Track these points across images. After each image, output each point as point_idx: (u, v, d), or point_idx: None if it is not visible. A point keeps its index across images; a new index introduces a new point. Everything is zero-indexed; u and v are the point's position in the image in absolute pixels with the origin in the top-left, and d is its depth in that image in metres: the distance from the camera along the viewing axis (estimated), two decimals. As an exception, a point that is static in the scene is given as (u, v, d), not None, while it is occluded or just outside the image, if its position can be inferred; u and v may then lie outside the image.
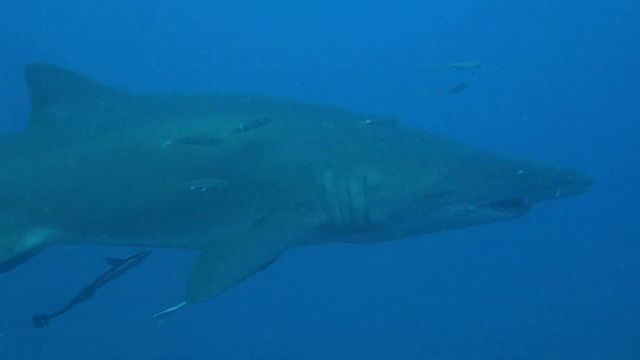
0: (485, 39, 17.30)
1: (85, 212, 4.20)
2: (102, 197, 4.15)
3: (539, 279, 12.35)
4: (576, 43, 17.24)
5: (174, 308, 4.44)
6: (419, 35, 17.60)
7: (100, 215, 4.19)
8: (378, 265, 11.35)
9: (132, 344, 10.23)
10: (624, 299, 11.46)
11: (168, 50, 16.97)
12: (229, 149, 3.99)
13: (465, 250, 13.13)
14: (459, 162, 3.99)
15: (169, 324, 4.65)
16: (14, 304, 9.23)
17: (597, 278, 12.18)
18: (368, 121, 4.18)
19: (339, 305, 11.77)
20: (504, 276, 12.15)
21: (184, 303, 4.23)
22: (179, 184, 3.99)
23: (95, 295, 4.53)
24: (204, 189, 3.85)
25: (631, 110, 18.27)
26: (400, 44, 17.60)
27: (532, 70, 18.09)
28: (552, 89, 18.50)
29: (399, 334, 10.78)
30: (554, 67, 18.09)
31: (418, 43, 17.43)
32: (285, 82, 16.02)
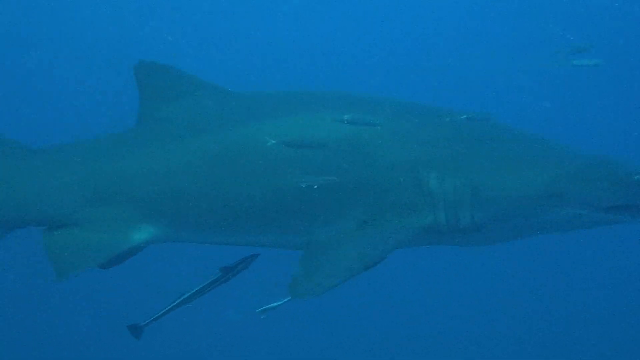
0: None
1: (191, 210, 4.21)
2: (208, 195, 4.17)
3: (539, 279, 12.16)
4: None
5: (278, 303, 4.47)
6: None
7: (207, 213, 4.20)
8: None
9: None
10: (624, 299, 11.23)
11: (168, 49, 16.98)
12: (334, 149, 3.98)
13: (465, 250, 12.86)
14: (570, 164, 3.89)
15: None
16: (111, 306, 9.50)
17: (598, 277, 11.98)
18: (464, 116, 4.13)
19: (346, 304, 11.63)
20: (504, 276, 11.93)
21: (288, 299, 4.30)
22: (285, 182, 4.00)
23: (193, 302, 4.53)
24: (315, 186, 3.83)
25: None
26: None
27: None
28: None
29: (399, 334, 10.64)
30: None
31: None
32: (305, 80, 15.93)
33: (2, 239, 4.54)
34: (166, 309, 4.49)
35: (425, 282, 11.98)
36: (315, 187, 3.82)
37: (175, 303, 4.48)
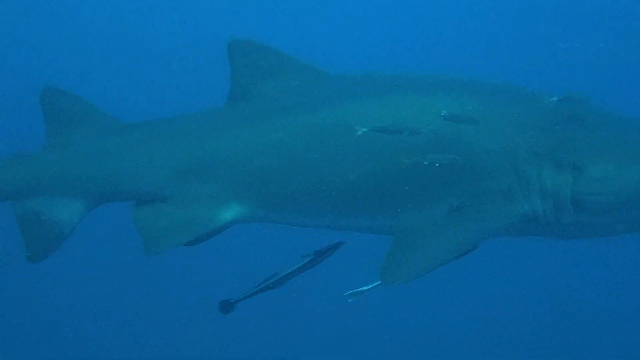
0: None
1: (281, 190, 4.18)
2: (299, 176, 4.13)
3: (540, 279, 11.80)
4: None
5: (366, 287, 4.35)
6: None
7: (296, 194, 4.16)
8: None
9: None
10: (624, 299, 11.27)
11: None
12: (430, 132, 3.84)
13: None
14: None
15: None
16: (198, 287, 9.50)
17: (598, 277, 11.72)
18: (555, 98, 3.91)
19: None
20: (505, 275, 11.98)
21: (377, 283, 4.17)
22: (378, 164, 3.93)
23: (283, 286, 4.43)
24: (437, 165, 3.69)
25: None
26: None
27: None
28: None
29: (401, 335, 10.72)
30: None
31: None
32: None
33: (92, 211, 4.61)
34: (258, 287, 4.37)
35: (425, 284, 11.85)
36: (437, 165, 3.66)
37: (266, 283, 4.36)
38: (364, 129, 3.83)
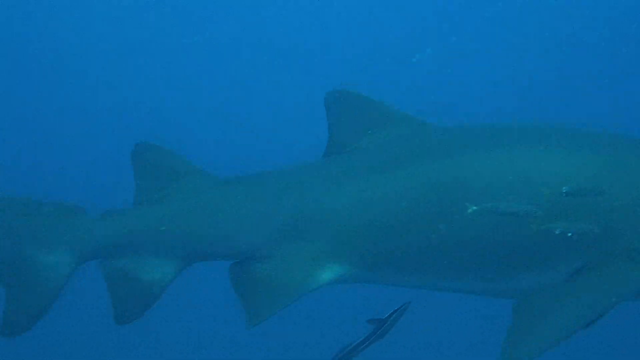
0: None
1: (384, 249, 3.93)
2: (406, 234, 3.86)
3: None
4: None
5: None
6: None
7: (402, 253, 3.89)
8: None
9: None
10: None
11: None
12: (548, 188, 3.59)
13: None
14: None
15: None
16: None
17: None
18: None
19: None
20: None
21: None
22: (496, 225, 3.60)
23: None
24: (569, 234, 3.40)
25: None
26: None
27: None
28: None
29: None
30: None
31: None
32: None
33: (185, 270, 4.38)
34: None
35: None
36: (569, 234, 3.36)
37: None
38: (474, 208, 3.54)
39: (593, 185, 3.47)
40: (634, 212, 3.49)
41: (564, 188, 3.43)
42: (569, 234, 3.37)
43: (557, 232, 3.37)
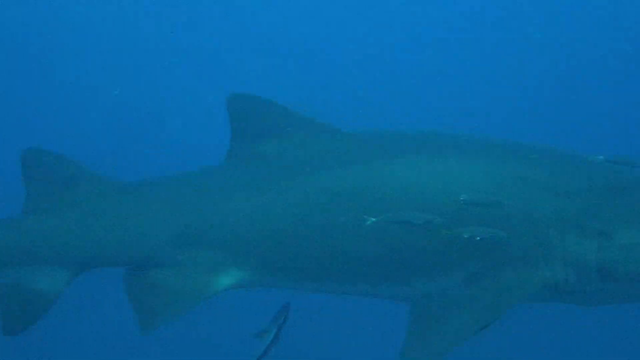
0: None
1: (285, 255, 3.97)
2: (304, 240, 3.92)
3: None
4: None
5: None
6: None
7: (301, 258, 3.94)
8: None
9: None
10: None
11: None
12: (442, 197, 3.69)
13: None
14: None
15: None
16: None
17: None
18: (601, 157, 3.83)
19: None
20: None
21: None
22: (392, 230, 3.64)
23: None
24: (478, 238, 3.46)
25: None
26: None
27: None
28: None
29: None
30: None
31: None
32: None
33: (79, 277, 4.30)
34: None
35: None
36: (478, 239, 3.43)
37: None
38: (373, 220, 3.59)
39: (490, 197, 3.57)
40: (526, 220, 3.60)
41: (462, 196, 3.53)
42: (477, 238, 3.45)
43: (465, 237, 3.46)
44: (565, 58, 15.90)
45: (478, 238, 3.45)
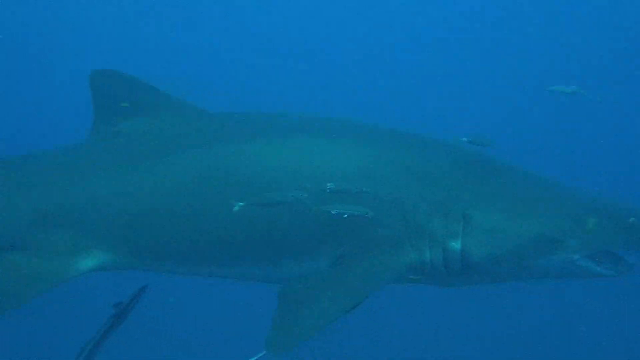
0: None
1: (149, 236, 3.81)
2: (169, 221, 3.76)
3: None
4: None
5: (254, 358, 3.99)
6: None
7: (167, 240, 3.78)
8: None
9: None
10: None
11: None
12: (318, 177, 3.59)
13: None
14: (569, 208, 3.55)
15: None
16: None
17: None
18: (464, 138, 3.91)
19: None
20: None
21: (263, 353, 3.78)
22: (255, 211, 3.53)
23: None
24: (345, 216, 3.43)
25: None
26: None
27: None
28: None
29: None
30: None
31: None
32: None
33: None
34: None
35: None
36: (345, 216, 3.41)
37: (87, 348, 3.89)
38: (240, 204, 3.49)
39: (355, 186, 3.52)
40: (393, 202, 3.57)
41: (328, 184, 3.50)
42: (345, 216, 3.42)
43: (333, 213, 3.42)
44: (565, 58, 15.92)
45: (345, 215, 3.43)
